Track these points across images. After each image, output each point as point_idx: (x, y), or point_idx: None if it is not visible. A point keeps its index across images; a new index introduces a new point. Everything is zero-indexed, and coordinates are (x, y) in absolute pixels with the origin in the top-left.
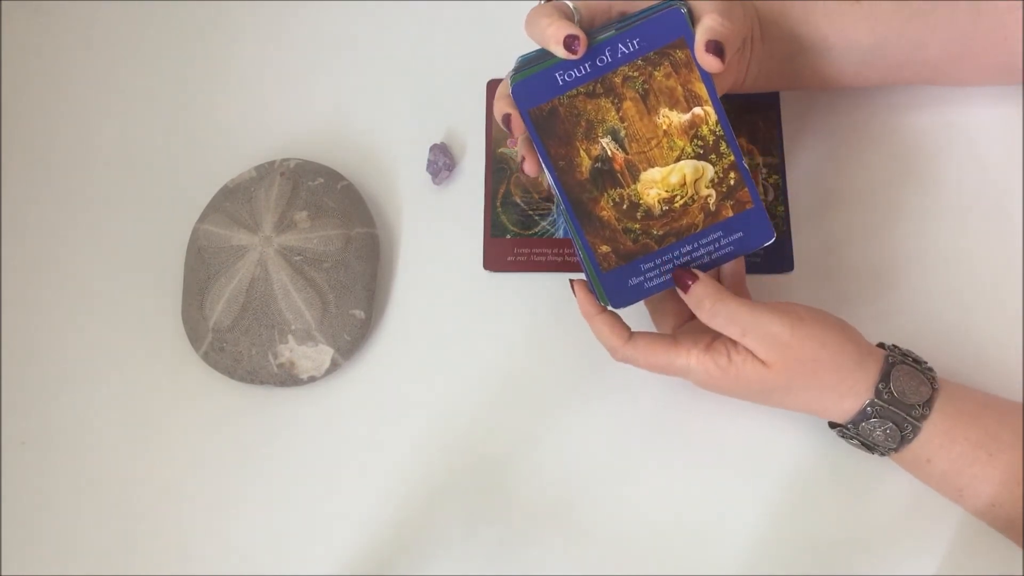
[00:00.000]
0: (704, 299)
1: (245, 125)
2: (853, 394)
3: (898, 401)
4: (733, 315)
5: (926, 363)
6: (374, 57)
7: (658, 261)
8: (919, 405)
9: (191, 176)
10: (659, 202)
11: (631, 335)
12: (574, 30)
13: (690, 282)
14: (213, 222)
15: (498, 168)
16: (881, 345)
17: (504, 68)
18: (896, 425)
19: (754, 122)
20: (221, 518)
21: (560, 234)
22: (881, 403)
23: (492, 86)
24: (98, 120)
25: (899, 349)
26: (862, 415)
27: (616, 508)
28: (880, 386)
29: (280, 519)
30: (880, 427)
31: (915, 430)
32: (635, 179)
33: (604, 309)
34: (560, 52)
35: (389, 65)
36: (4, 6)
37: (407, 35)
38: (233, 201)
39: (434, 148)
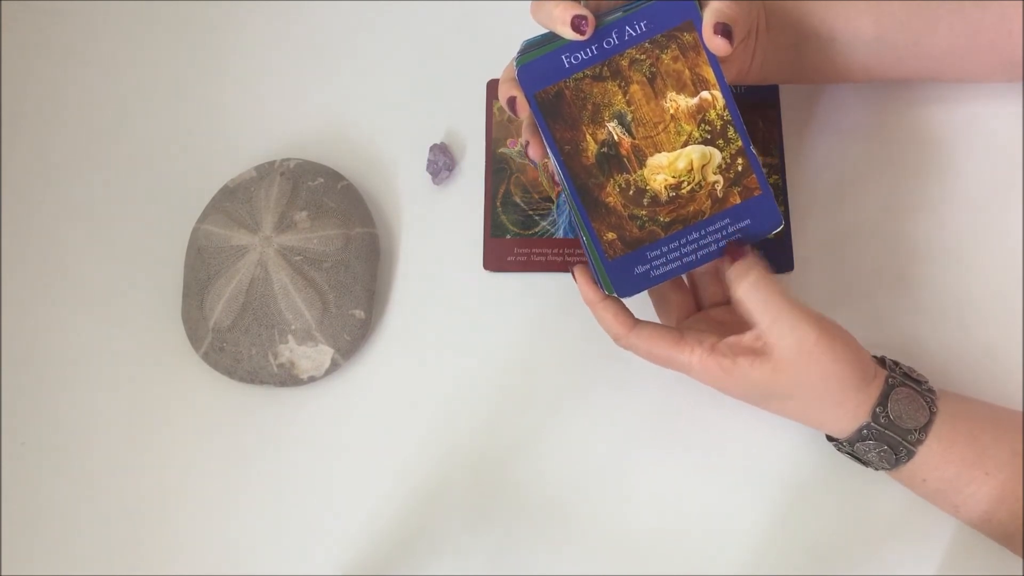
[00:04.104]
0: (751, 270)
1: (245, 125)
2: (850, 415)
3: (894, 425)
4: (771, 299)
5: (926, 382)
6: (374, 57)
7: (665, 249)
8: (915, 430)
9: (191, 176)
10: (666, 188)
11: (635, 323)
12: (582, 10)
13: (742, 254)
14: (213, 222)
15: (498, 168)
16: (882, 361)
17: (504, 69)
18: (891, 448)
19: (754, 121)
20: (221, 518)
21: (560, 234)
22: (877, 427)
23: (492, 86)
24: (98, 120)
25: (900, 368)
26: (858, 436)
27: (616, 508)
28: (878, 409)
29: (280, 519)
30: (875, 449)
31: (909, 454)
32: (642, 164)
33: (607, 296)
34: (567, 33)
35: (389, 65)
36: (4, 6)
37: (407, 35)
38: (233, 201)
39: (434, 148)
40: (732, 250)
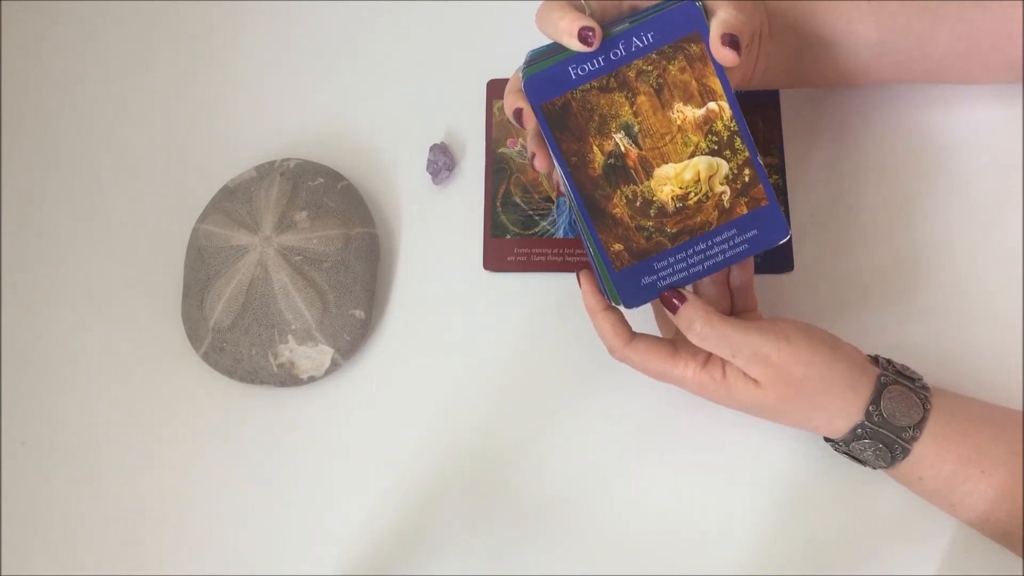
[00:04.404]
0: (694, 321)
1: (245, 125)
2: (844, 415)
3: (888, 423)
4: (723, 337)
5: (920, 379)
6: (374, 57)
7: (672, 260)
8: (909, 427)
9: (191, 176)
10: (673, 199)
11: (632, 337)
12: (589, 22)
13: (678, 303)
14: (213, 222)
15: (498, 168)
16: (875, 360)
17: (504, 69)
18: (886, 446)
19: (754, 122)
20: (221, 518)
21: (560, 234)
22: (871, 425)
23: (492, 86)
24: (98, 120)
25: (893, 366)
26: (852, 435)
27: (616, 509)
28: (870, 408)
29: (280, 519)
30: (871, 447)
31: (905, 452)
32: (649, 175)
33: (608, 306)
34: (574, 45)
35: (389, 65)
36: (4, 6)
37: (407, 35)
38: (233, 201)
39: (434, 148)
40: (667, 303)
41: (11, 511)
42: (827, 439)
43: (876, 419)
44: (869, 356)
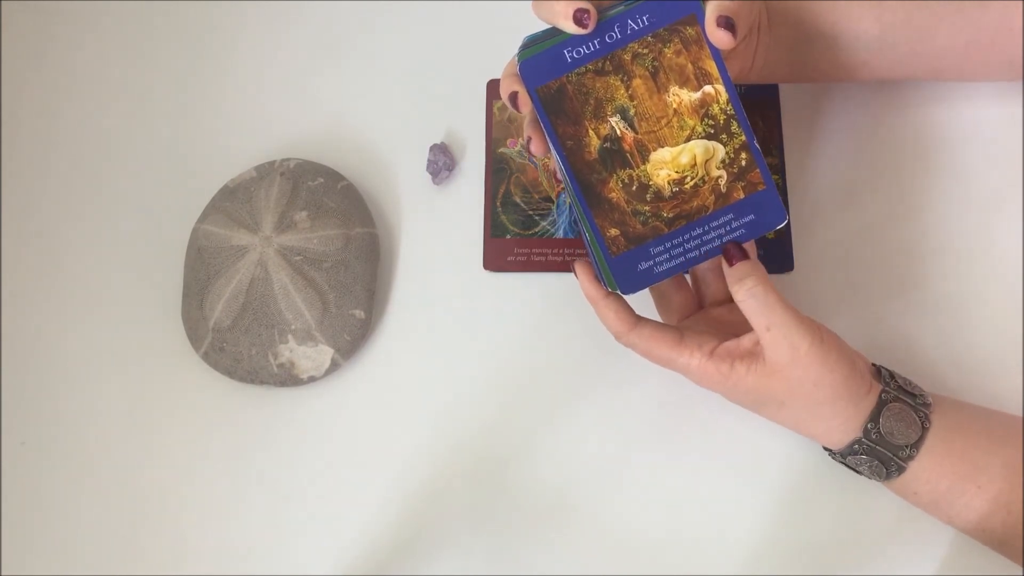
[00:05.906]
0: (747, 277)
1: (245, 125)
2: (842, 430)
3: (885, 441)
4: (768, 306)
5: (922, 396)
6: (374, 57)
7: (668, 244)
8: (906, 447)
9: (191, 176)
10: (669, 183)
11: (637, 321)
12: (584, 4)
13: (739, 258)
14: (213, 222)
15: (498, 168)
16: (879, 372)
17: (506, 64)
18: (882, 463)
19: (754, 121)
20: (221, 518)
21: (560, 234)
22: (868, 442)
23: (492, 86)
24: (98, 120)
25: (896, 381)
26: (849, 449)
27: (616, 508)
28: (869, 425)
29: (280, 519)
30: (866, 463)
31: (900, 469)
32: (645, 159)
33: (609, 292)
34: (569, 27)
35: (389, 65)
36: (4, 6)
37: (407, 35)
38: (233, 201)
39: (434, 148)
40: (729, 253)
41: (11, 511)
42: (826, 448)
43: (874, 436)
44: (873, 366)
